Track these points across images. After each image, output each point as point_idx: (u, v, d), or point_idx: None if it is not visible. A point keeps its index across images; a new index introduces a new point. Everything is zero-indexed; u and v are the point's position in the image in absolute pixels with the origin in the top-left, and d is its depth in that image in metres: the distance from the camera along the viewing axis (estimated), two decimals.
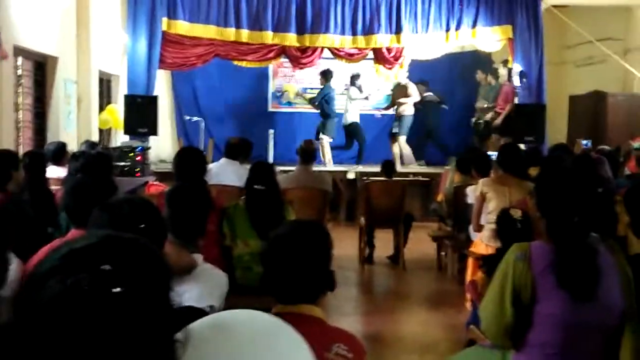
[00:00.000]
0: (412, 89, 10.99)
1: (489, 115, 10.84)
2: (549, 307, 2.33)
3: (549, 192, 2.47)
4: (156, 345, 0.84)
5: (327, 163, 10.59)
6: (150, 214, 1.85)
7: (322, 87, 10.84)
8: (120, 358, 0.81)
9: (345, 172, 10.05)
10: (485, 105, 11.01)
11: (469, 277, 4.92)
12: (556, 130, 10.73)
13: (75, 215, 2.62)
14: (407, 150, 10.89)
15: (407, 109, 10.91)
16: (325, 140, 10.61)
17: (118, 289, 0.82)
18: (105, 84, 9.51)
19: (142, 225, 1.75)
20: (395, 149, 10.94)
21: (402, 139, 10.85)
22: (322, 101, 10.68)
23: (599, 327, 2.37)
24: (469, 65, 11.62)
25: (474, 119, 11.28)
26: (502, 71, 10.76)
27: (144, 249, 0.91)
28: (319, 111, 10.82)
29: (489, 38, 10.37)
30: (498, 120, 10.58)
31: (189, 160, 4.07)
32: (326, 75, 10.77)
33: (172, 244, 2.38)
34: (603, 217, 3.08)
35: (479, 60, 11.42)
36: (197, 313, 1.35)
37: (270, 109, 12.47)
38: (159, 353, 0.85)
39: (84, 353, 0.80)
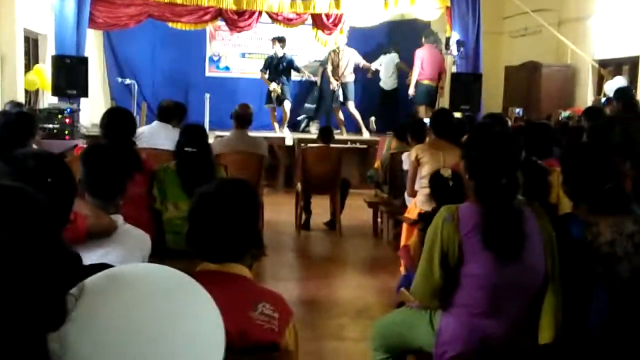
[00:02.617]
0: (350, 54, 10.92)
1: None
2: (475, 268, 2.36)
3: (477, 154, 2.48)
4: (42, 299, 0.78)
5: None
6: (57, 169, 1.75)
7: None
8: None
9: (283, 139, 9.98)
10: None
11: (403, 242, 4.96)
12: (492, 99, 10.90)
13: None
14: (358, 115, 10.86)
15: (348, 75, 10.85)
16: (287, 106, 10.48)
17: None
18: (31, 43, 9.07)
19: (49, 180, 1.65)
20: (340, 115, 10.90)
21: (351, 104, 10.81)
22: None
23: (523, 288, 2.41)
24: (409, 34, 11.62)
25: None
26: (425, 40, 10.78)
27: (27, 197, 0.83)
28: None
29: (428, 6, 10.38)
30: (410, 90, 10.69)
31: (116, 120, 3.92)
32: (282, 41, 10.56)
33: (90, 205, 2.28)
34: (532, 182, 3.13)
35: (419, 29, 11.43)
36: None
37: (208, 74, 12.22)
38: (45, 306, 0.79)
39: None
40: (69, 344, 0.82)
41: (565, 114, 8.11)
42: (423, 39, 10.81)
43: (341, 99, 10.79)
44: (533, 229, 2.40)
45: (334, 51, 10.83)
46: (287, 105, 10.49)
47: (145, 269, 0.93)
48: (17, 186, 0.85)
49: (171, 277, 0.92)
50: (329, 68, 10.86)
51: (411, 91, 10.71)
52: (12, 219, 0.79)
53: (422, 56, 10.67)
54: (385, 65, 11.55)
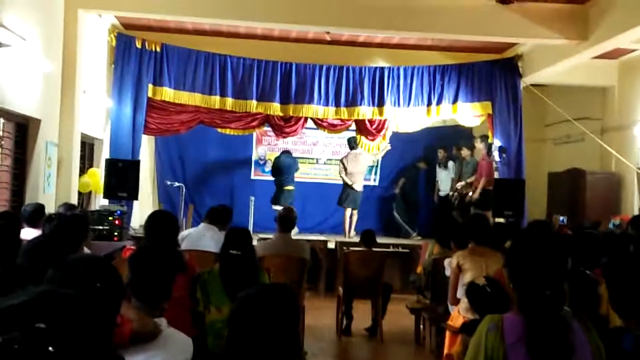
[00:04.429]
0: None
1: (464, 190, 11.08)
2: None
3: (521, 264, 2.46)
4: None
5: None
6: (106, 274, 1.81)
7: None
8: None
9: (325, 242, 10.01)
10: (464, 182, 11.18)
11: (446, 350, 4.83)
12: (535, 205, 10.83)
13: (29, 275, 2.52)
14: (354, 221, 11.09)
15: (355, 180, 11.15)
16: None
17: (51, 348, 0.79)
18: (87, 148, 9.51)
19: (98, 285, 1.71)
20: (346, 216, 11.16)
21: (348, 211, 11.11)
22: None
23: None
24: (450, 139, 11.82)
25: (451, 193, 11.41)
26: (479, 145, 10.92)
27: (80, 305, 0.88)
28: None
29: (469, 114, 10.57)
30: (475, 195, 10.68)
31: (160, 223, 4.00)
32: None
33: (135, 309, 2.32)
34: (580, 293, 3.07)
35: (460, 134, 11.62)
36: None
37: (253, 177, 12.52)
38: None
39: None
40: None
41: (615, 222, 7.97)
42: (479, 147, 10.95)
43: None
44: (581, 342, 2.33)
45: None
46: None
47: None
48: (70, 294, 0.90)
49: None
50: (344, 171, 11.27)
51: (476, 195, 10.77)
52: (67, 325, 0.83)
53: (483, 165, 10.78)
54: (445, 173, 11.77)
